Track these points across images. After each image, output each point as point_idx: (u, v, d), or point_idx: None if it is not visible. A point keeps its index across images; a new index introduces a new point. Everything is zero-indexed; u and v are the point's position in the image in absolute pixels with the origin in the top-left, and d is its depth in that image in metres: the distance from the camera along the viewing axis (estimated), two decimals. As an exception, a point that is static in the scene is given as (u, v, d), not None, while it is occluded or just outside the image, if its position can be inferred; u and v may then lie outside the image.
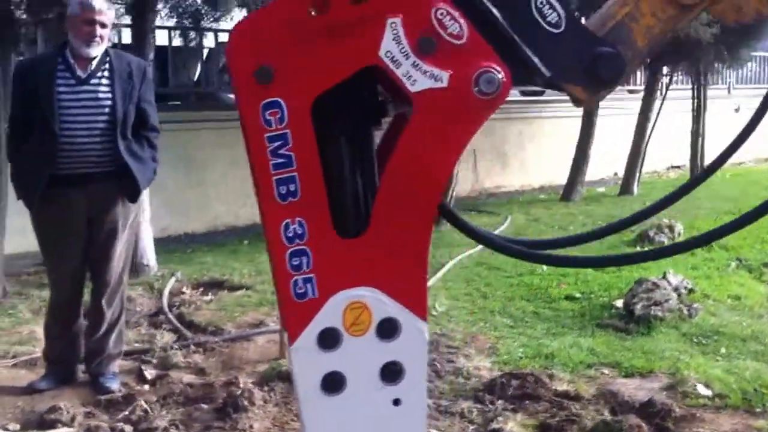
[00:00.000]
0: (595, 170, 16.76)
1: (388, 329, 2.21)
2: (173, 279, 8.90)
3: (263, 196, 2.14)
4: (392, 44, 2.06)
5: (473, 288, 8.60)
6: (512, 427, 5.10)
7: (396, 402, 2.23)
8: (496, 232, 11.91)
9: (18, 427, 5.46)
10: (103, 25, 5.44)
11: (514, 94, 19.86)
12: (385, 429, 2.24)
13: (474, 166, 16.48)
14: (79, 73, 5.50)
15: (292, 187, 2.12)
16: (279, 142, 2.08)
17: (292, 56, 2.04)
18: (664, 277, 7.69)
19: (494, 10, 2.09)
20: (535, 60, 2.10)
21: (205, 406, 5.55)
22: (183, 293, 8.78)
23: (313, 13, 2.02)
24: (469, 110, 2.10)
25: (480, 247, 10.48)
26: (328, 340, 2.20)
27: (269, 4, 2.06)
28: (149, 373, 6.21)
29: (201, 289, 8.98)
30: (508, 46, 2.09)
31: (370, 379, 2.23)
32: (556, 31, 2.12)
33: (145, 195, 8.63)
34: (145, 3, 9.33)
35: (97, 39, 5.43)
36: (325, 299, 2.17)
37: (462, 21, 2.06)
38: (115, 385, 5.91)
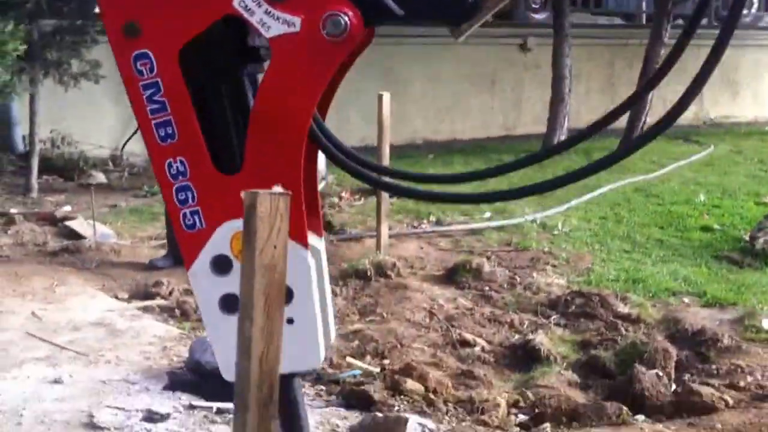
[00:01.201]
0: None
1: None
2: (324, 183, 9.35)
3: (147, 140, 2.38)
4: None
5: (614, 212, 8.43)
6: (545, 341, 5.13)
7: (290, 321, 2.40)
8: (688, 160, 11.44)
9: (126, 295, 6.24)
10: None
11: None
12: (284, 344, 2.41)
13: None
14: None
15: (169, 130, 2.35)
16: (152, 90, 2.31)
17: (155, 11, 2.27)
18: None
19: None
20: (387, 2, 2.21)
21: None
22: (338, 197, 9.30)
23: None
24: (321, 52, 2.22)
25: (649, 175, 10.18)
26: (220, 266, 2.42)
27: None
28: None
29: (357, 195, 9.46)
30: None
31: None
32: None
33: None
34: None
35: None
36: (213, 229, 2.40)
37: None
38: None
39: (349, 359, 4.90)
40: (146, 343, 5.17)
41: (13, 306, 5.77)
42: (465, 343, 5.18)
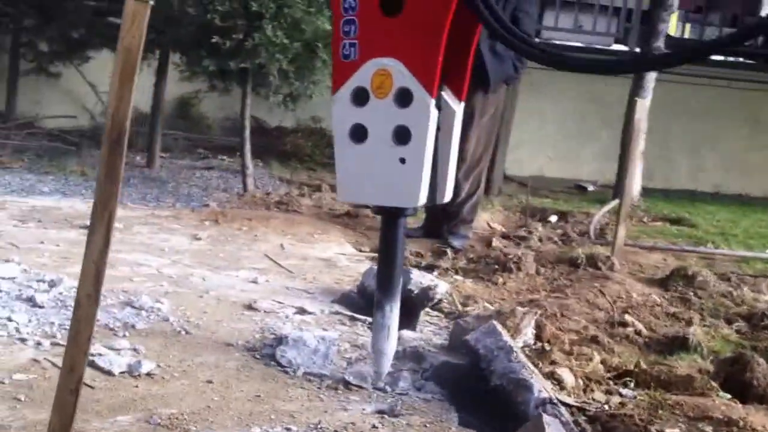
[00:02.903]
0: None
1: (403, 97, 2.72)
2: (610, 206, 9.35)
3: None
4: None
5: None
6: (701, 334, 5.08)
7: (402, 160, 2.76)
8: None
9: (368, 249, 7.07)
10: None
11: None
12: (392, 178, 2.80)
13: None
14: None
15: None
16: None
17: None
18: None
19: None
20: None
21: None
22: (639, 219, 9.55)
23: None
24: None
25: None
26: (359, 97, 2.78)
27: None
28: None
29: (660, 222, 9.63)
30: None
31: (385, 137, 2.78)
32: None
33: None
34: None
35: None
36: (362, 63, 2.77)
37: None
38: (457, 243, 7.17)
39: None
40: (347, 275, 5.96)
41: (272, 238, 6.88)
42: (622, 324, 5.28)
